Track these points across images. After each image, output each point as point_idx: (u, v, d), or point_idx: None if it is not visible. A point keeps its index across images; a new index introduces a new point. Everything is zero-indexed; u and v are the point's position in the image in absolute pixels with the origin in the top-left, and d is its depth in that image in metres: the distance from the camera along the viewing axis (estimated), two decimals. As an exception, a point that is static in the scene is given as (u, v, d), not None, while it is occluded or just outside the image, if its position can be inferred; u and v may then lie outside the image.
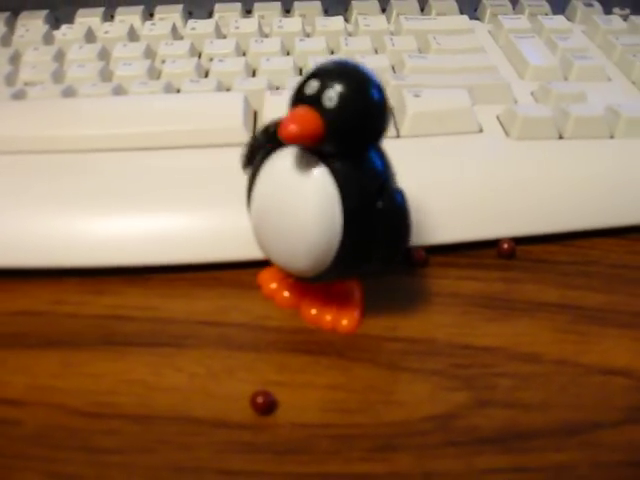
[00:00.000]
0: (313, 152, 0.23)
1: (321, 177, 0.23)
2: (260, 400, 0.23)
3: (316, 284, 0.26)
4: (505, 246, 0.29)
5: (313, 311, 0.27)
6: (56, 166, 0.30)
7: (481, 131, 0.32)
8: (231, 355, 0.25)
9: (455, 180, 0.30)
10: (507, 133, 0.32)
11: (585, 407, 0.23)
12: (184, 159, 0.31)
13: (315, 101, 0.22)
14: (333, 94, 0.21)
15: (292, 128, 0.21)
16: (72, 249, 0.28)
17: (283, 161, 0.23)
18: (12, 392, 0.24)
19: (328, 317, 0.26)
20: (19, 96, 0.34)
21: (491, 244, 0.30)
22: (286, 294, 0.27)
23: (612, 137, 0.32)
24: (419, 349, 0.25)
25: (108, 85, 0.35)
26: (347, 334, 0.26)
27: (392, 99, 0.32)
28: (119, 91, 0.34)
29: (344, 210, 0.23)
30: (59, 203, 0.29)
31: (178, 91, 0.35)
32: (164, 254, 0.28)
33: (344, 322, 0.26)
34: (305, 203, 0.23)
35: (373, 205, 0.23)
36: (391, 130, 0.31)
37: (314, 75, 0.22)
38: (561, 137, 0.32)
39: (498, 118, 0.33)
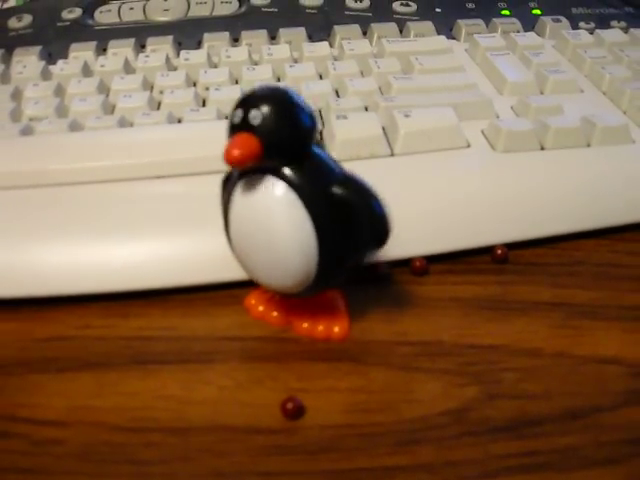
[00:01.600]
0: (264, 171, 0.25)
1: (278, 188, 0.25)
2: (290, 406, 0.25)
3: (303, 298, 0.28)
4: (499, 252, 0.31)
5: (305, 325, 0.28)
6: (74, 198, 0.32)
7: (469, 146, 0.34)
8: (255, 367, 0.27)
9: (448, 193, 0.32)
10: (493, 147, 0.34)
11: (585, 393, 0.25)
12: (192, 186, 0.32)
13: (244, 126, 0.24)
14: (256, 113, 0.24)
15: (233, 152, 0.23)
16: (95, 276, 0.30)
17: (244, 187, 0.25)
18: (53, 414, 0.25)
19: (320, 327, 0.28)
20: (27, 132, 0.36)
21: (485, 251, 0.32)
22: (275, 314, 0.29)
23: (589, 145, 0.34)
24: (429, 351, 0.28)
25: (112, 118, 0.36)
26: (341, 339, 0.28)
27: (383, 120, 0.35)
28: (124, 123, 0.36)
29: (308, 209, 0.25)
30: (78, 233, 0.31)
31: (179, 120, 0.37)
32: (183, 276, 0.30)
33: (336, 329, 0.28)
34: (274, 218, 0.25)
35: (331, 194, 0.25)
36: (385, 149, 0.34)
37: (236, 105, 0.25)
38: (542, 148, 0.34)
39: (483, 133, 0.35)
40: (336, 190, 0.25)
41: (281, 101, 0.25)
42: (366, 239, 0.26)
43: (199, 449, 0.24)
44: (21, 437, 0.25)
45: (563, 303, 0.30)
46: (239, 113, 0.24)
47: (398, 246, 0.31)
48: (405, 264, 0.31)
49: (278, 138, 0.24)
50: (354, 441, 0.24)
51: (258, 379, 0.27)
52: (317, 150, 0.26)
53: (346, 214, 0.25)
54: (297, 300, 0.28)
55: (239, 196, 0.25)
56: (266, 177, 0.25)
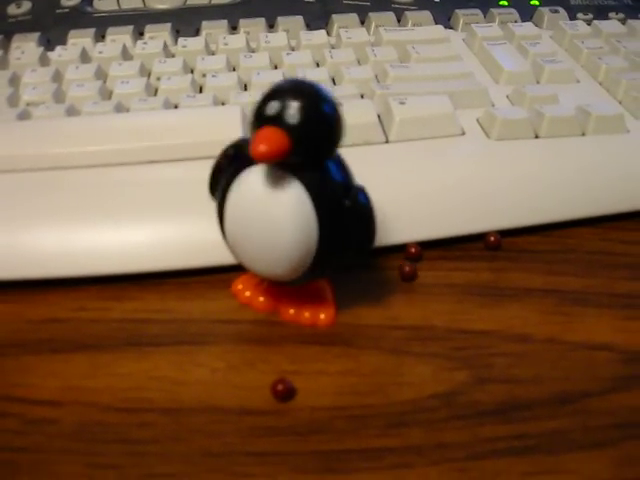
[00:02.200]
0: (281, 166, 0.24)
1: (294, 187, 0.25)
2: (280, 387, 0.25)
3: (291, 286, 0.28)
4: (491, 239, 0.32)
5: (291, 311, 0.28)
6: (70, 182, 0.32)
7: (463, 134, 0.34)
8: (248, 349, 0.28)
9: (442, 180, 0.32)
10: (487, 135, 0.34)
11: (574, 379, 0.26)
12: (189, 170, 0.32)
13: (278, 120, 0.23)
14: (294, 112, 0.23)
15: (262, 148, 0.23)
16: (90, 259, 0.30)
17: (253, 179, 0.25)
18: (47, 394, 0.26)
19: (306, 314, 0.28)
20: (24, 117, 0.36)
21: (479, 237, 0.32)
22: (261, 299, 0.29)
23: (583, 134, 0.34)
24: (420, 335, 0.28)
25: (109, 103, 0.36)
26: (327, 326, 0.28)
27: (379, 107, 0.35)
28: (120, 108, 0.36)
29: (318, 214, 0.25)
30: (74, 216, 0.31)
31: (176, 106, 0.37)
32: (178, 260, 0.30)
33: (322, 316, 0.28)
34: (284, 214, 0.25)
35: (342, 205, 0.25)
36: (380, 136, 0.34)
37: (273, 96, 0.24)
38: (537, 136, 0.34)
39: (478, 121, 0.35)
40: (346, 201, 0.25)
41: (318, 100, 0.24)
42: (358, 242, 0.26)
43: (191, 429, 0.24)
44: (15, 416, 0.25)
45: (555, 290, 0.30)
46: (275, 105, 0.23)
47: (393, 232, 0.31)
48: (400, 250, 0.31)
49: (309, 139, 0.24)
50: (344, 423, 0.24)
51: (250, 361, 0.27)
52: (335, 155, 0.26)
53: (349, 220, 0.25)
54: (285, 287, 0.28)
55: (243, 184, 0.25)
56: (282, 172, 0.25)
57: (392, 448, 0.23)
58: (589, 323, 0.28)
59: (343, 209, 0.25)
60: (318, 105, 0.24)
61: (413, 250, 0.31)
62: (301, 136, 0.24)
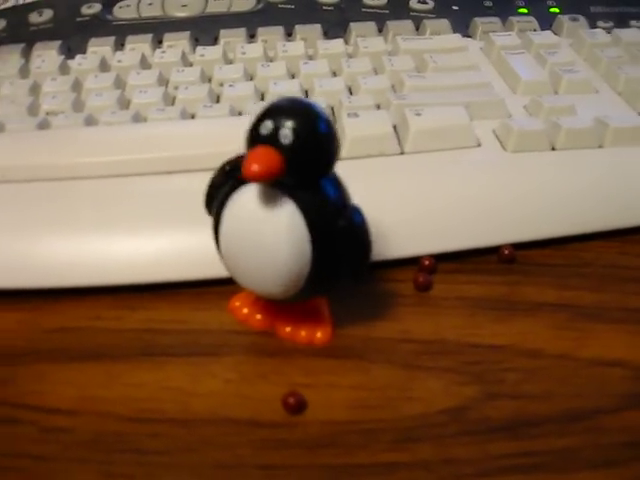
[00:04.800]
0: (275, 186, 0.24)
1: (287, 208, 0.24)
2: (291, 400, 0.25)
3: (288, 304, 0.28)
4: (506, 252, 0.32)
5: (287, 329, 0.28)
6: (87, 192, 0.33)
7: (479, 145, 0.34)
8: (260, 361, 0.28)
9: (457, 192, 0.32)
10: (503, 146, 0.34)
11: (585, 396, 0.26)
12: (205, 182, 0.33)
13: (272, 140, 0.23)
14: (288, 132, 0.23)
15: (254, 167, 0.23)
16: (106, 268, 0.30)
17: (247, 197, 0.25)
18: (63, 402, 0.26)
19: (303, 333, 0.28)
20: (44, 126, 0.37)
21: (493, 250, 0.32)
22: (258, 317, 0.29)
23: (601, 147, 0.34)
24: (431, 349, 0.28)
25: (127, 113, 0.37)
26: (322, 345, 0.28)
27: (394, 118, 0.35)
28: (138, 118, 0.37)
29: (311, 234, 0.25)
30: (91, 226, 0.31)
31: (193, 116, 0.37)
32: (192, 270, 0.30)
33: (318, 335, 0.28)
34: (276, 234, 0.25)
35: (336, 225, 0.25)
36: (395, 147, 0.34)
37: (267, 115, 0.24)
38: (553, 148, 0.34)
39: (494, 132, 0.35)
40: (340, 220, 0.25)
41: (312, 120, 0.24)
42: (352, 262, 0.26)
43: (202, 441, 0.25)
44: (31, 424, 0.25)
45: (568, 305, 0.30)
46: (269, 125, 0.23)
47: (407, 244, 0.31)
48: (413, 262, 0.31)
49: (303, 159, 0.24)
50: (354, 437, 0.24)
51: (262, 373, 0.27)
52: (331, 174, 0.26)
53: (342, 240, 0.25)
54: (282, 305, 0.28)
55: (237, 203, 0.25)
56: (275, 192, 0.25)
57: (402, 463, 0.23)
58: (602, 339, 0.28)
59: (337, 229, 0.25)
60: (312, 125, 0.24)
61: (427, 262, 0.31)
62: (294, 156, 0.23)
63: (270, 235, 0.25)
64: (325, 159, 0.25)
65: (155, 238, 0.31)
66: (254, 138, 0.24)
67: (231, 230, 0.26)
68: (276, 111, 0.24)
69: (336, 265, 0.26)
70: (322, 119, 0.24)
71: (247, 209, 0.25)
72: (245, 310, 0.29)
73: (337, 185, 0.26)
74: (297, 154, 0.24)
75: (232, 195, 0.25)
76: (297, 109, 0.24)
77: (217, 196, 0.26)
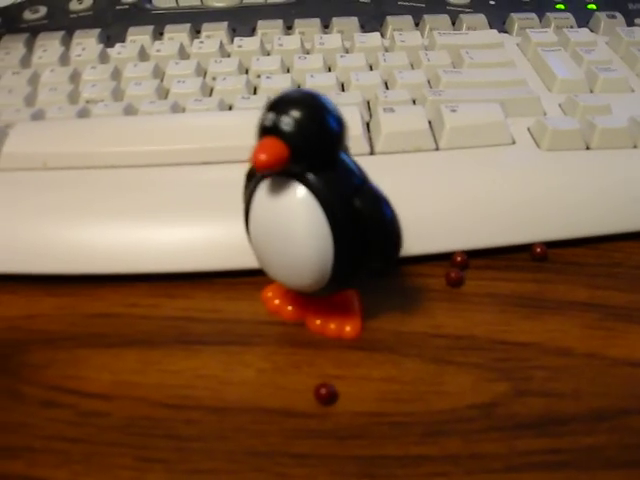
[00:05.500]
0: (289, 175, 0.25)
1: (299, 193, 0.25)
2: (323, 391, 0.26)
3: (318, 297, 0.28)
4: (538, 250, 0.32)
5: (317, 321, 0.29)
6: (126, 181, 0.33)
7: (513, 143, 0.35)
8: (294, 352, 0.28)
9: (491, 189, 0.32)
10: (538, 144, 0.34)
11: (613, 395, 0.26)
12: (242, 173, 0.33)
13: (274, 130, 0.24)
14: (288, 119, 0.24)
15: (261, 157, 0.23)
16: (143, 256, 0.31)
17: (266, 189, 0.26)
18: (99, 387, 0.27)
19: (332, 326, 0.29)
20: (83, 114, 0.37)
21: (525, 248, 0.32)
22: (290, 308, 0.29)
23: (636, 147, 0.34)
24: (462, 345, 0.28)
25: (166, 103, 0.37)
26: (352, 339, 0.28)
27: (430, 114, 0.35)
28: (176, 108, 0.37)
29: (328, 216, 0.25)
30: (130, 215, 0.32)
31: (230, 108, 0.38)
32: (228, 260, 0.31)
33: (348, 328, 0.29)
34: (294, 221, 0.25)
35: (351, 204, 0.25)
36: (430, 143, 0.34)
37: (269, 108, 0.25)
38: (588, 148, 0.34)
39: (529, 130, 0.35)
40: (355, 200, 0.25)
41: (312, 107, 0.25)
42: (379, 248, 0.26)
43: (235, 428, 0.25)
44: (68, 407, 0.26)
45: (599, 304, 0.30)
46: (270, 116, 0.24)
47: (440, 240, 0.32)
48: (446, 258, 0.32)
49: (306, 145, 0.24)
50: (384, 429, 0.25)
51: (296, 364, 0.28)
52: (343, 157, 0.26)
53: (362, 223, 0.25)
54: (313, 298, 0.29)
55: (261, 196, 0.26)
56: (289, 181, 0.25)
57: (430, 456, 0.24)
58: (631, 339, 0.28)
59: (353, 209, 0.25)
60: (315, 113, 0.24)
61: (459, 258, 0.31)
62: (298, 142, 0.24)
63: (287, 223, 0.25)
64: (328, 140, 0.25)
65: (192, 228, 0.32)
66: (260, 132, 0.25)
67: (255, 221, 0.26)
68: (280, 103, 0.25)
69: (360, 248, 0.26)
70: (325, 108, 0.25)
71: (266, 200, 0.26)
72: (277, 301, 0.30)
73: (349, 167, 0.26)
74: (299, 138, 0.24)
75: (257, 188, 0.26)
76: (300, 99, 0.25)
77: (249, 188, 0.27)
